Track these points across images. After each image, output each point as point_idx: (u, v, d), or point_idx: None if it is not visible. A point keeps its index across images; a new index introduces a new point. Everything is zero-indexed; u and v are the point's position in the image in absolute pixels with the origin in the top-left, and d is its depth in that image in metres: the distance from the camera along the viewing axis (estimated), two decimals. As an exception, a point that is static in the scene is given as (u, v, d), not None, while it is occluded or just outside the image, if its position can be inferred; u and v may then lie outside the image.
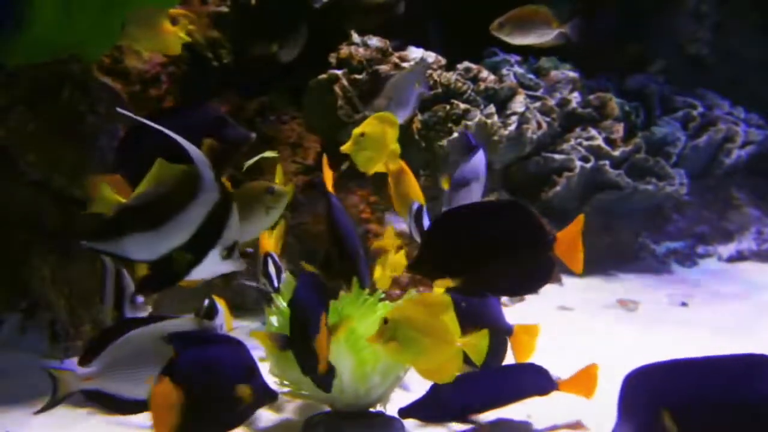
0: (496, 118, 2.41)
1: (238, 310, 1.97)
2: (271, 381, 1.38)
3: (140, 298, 1.50)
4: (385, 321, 1.13)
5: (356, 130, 1.40)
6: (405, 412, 1.35)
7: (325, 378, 1.20)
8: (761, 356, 0.98)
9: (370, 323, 1.31)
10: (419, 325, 1.12)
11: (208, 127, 1.33)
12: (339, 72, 2.31)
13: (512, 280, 1.30)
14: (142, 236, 1.14)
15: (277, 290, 1.55)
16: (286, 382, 1.37)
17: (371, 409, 1.37)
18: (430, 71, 2.41)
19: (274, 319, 1.40)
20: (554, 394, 1.42)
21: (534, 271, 1.30)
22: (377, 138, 1.40)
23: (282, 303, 1.41)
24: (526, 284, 1.35)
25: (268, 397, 1.24)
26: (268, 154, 1.72)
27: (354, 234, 1.41)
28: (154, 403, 1.08)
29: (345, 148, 1.39)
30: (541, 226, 1.29)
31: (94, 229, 1.14)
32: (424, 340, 1.12)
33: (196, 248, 1.16)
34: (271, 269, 1.59)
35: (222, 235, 1.17)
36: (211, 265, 1.19)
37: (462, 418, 1.37)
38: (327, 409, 1.38)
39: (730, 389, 0.97)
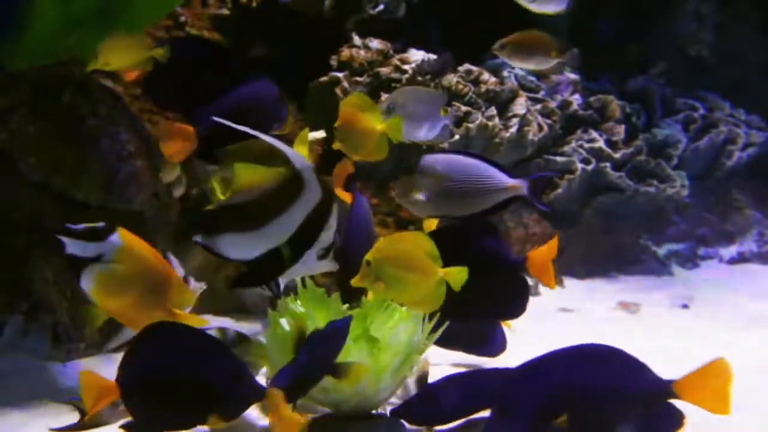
0: (497, 120, 2.41)
1: (239, 312, 1.97)
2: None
3: (193, 282, 1.46)
4: (368, 263, 1.15)
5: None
6: (396, 412, 1.34)
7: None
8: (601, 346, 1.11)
9: (389, 328, 1.33)
10: (400, 262, 1.15)
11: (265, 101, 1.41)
12: (340, 74, 2.32)
13: (489, 304, 1.33)
14: (239, 236, 1.14)
15: (280, 292, 1.54)
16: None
17: (373, 411, 1.37)
18: (430, 74, 2.41)
19: (284, 321, 1.38)
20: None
21: (509, 294, 1.33)
22: (348, 125, 1.38)
23: (298, 307, 1.39)
24: (503, 308, 1.36)
25: (256, 395, 1.23)
26: (316, 134, 1.71)
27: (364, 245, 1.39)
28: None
29: (335, 145, 1.40)
30: (506, 247, 1.32)
31: (195, 221, 1.14)
32: (407, 275, 1.15)
33: (294, 249, 1.17)
34: None
35: (320, 236, 1.17)
36: (308, 265, 1.19)
37: (455, 419, 1.36)
38: (327, 411, 1.38)
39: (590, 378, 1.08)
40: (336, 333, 1.18)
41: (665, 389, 1.07)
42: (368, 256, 1.16)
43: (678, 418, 1.08)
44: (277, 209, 1.14)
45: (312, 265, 1.21)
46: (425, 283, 1.16)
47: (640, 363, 1.11)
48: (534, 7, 1.84)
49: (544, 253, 1.33)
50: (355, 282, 1.18)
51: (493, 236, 1.34)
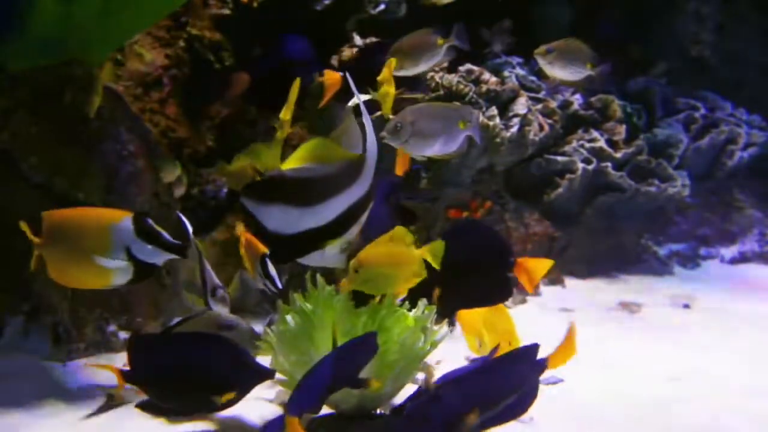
0: (498, 120, 2.41)
1: (240, 312, 1.97)
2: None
3: (220, 291, 1.53)
4: (356, 271, 1.20)
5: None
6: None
7: None
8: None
9: (396, 333, 1.34)
10: (382, 260, 1.21)
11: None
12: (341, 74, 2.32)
13: (474, 295, 1.43)
14: (290, 209, 1.12)
15: (282, 292, 1.54)
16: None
17: (374, 412, 1.37)
18: (431, 73, 2.41)
19: (289, 318, 1.38)
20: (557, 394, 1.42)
21: (494, 288, 1.43)
22: None
23: (307, 305, 1.39)
24: (486, 299, 1.46)
25: (261, 375, 1.28)
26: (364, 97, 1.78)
27: None
28: None
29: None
30: (506, 247, 1.43)
31: (249, 185, 1.11)
32: (392, 270, 1.22)
33: (329, 234, 1.15)
34: (272, 270, 1.58)
35: (351, 229, 1.16)
36: (326, 255, 1.18)
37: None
38: (329, 411, 1.38)
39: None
40: (365, 348, 1.21)
41: (543, 367, 1.28)
42: (354, 265, 1.20)
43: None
44: (334, 190, 1.13)
45: (331, 256, 1.19)
46: (407, 269, 1.23)
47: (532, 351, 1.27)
48: None
49: (533, 267, 1.42)
50: (342, 287, 1.23)
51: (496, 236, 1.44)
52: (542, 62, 1.94)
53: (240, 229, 1.60)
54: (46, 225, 1.27)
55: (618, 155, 2.66)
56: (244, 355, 1.28)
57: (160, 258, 1.25)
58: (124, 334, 1.73)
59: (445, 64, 2.45)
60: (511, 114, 2.49)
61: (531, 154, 2.57)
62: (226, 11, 2.38)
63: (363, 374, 1.26)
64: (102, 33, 1.72)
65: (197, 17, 2.31)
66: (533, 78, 2.71)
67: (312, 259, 1.19)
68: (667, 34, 3.21)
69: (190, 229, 1.57)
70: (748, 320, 2.16)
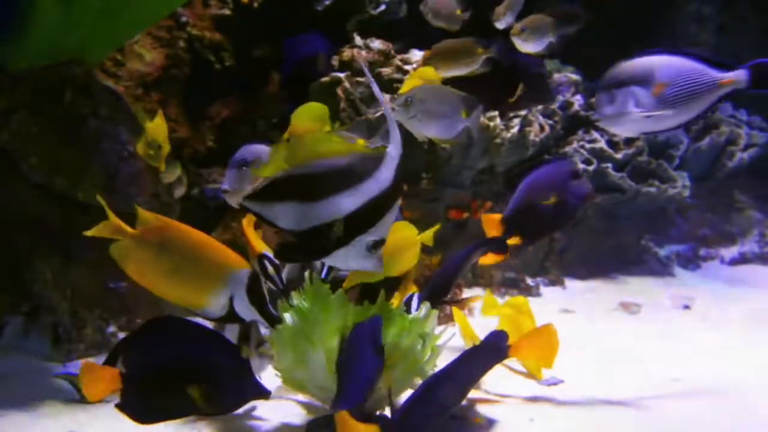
0: (498, 120, 2.41)
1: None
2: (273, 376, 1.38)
3: (267, 344, 1.54)
4: None
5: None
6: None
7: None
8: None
9: (391, 334, 1.35)
10: (389, 252, 1.23)
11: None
12: (342, 75, 2.32)
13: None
14: (296, 206, 1.09)
15: (283, 291, 1.54)
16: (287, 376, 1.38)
17: (376, 413, 1.37)
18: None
19: (287, 316, 1.38)
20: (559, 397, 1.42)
21: None
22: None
23: (303, 302, 1.39)
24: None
25: (256, 393, 1.26)
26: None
27: None
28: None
29: None
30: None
31: (254, 190, 1.10)
32: (400, 260, 1.31)
33: (347, 230, 1.10)
34: (271, 271, 1.58)
35: (375, 226, 1.11)
36: (354, 255, 1.13)
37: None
38: (330, 411, 1.38)
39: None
40: (374, 333, 1.23)
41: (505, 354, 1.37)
42: None
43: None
44: (343, 184, 1.09)
45: (359, 256, 1.13)
46: (409, 253, 1.34)
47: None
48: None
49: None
50: (347, 281, 1.27)
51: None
52: (518, 41, 1.98)
53: (245, 222, 1.60)
54: (160, 228, 1.23)
55: (618, 156, 2.66)
56: (245, 369, 1.26)
57: (251, 317, 1.24)
58: (123, 335, 1.73)
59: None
60: (511, 114, 2.49)
61: (531, 154, 2.57)
62: (226, 11, 2.38)
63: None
64: (102, 33, 1.72)
65: (197, 17, 2.31)
66: (534, 78, 2.72)
67: (338, 260, 1.15)
68: (667, 35, 3.21)
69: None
70: (748, 321, 2.16)
